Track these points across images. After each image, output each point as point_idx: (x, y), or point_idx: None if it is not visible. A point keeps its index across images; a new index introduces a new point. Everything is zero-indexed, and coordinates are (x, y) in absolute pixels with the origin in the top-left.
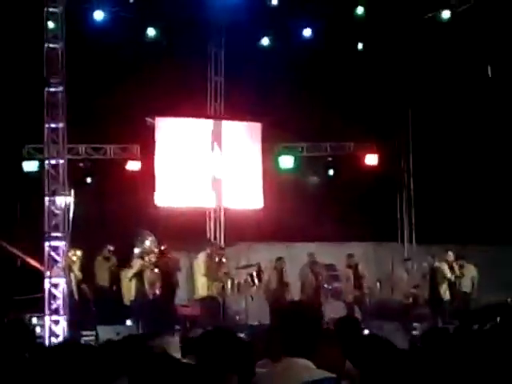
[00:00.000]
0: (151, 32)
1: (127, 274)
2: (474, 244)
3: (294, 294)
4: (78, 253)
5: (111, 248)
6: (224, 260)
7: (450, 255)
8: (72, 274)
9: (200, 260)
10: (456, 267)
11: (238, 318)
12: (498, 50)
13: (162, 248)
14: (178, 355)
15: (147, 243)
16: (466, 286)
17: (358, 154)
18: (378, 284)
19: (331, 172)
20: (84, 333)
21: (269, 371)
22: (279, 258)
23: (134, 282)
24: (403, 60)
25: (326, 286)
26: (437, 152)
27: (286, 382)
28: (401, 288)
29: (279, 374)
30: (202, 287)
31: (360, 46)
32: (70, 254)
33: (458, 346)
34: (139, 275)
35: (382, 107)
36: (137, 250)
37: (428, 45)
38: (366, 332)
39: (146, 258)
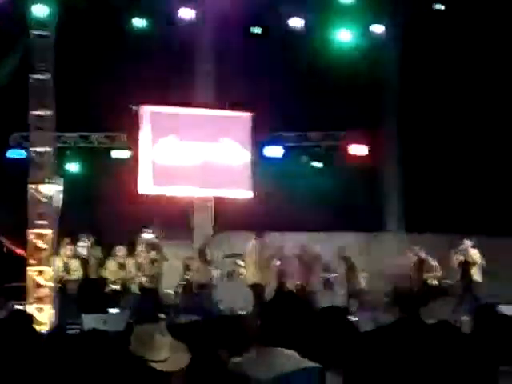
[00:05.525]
0: (138, 21)
1: (112, 264)
2: (463, 234)
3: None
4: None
5: (91, 238)
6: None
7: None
8: (53, 267)
9: (251, 248)
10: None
11: (222, 307)
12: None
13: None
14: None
15: (145, 236)
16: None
17: (346, 144)
18: (367, 275)
19: (319, 162)
20: (69, 321)
21: (250, 359)
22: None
23: (118, 271)
24: (392, 49)
25: (318, 276)
26: (426, 141)
27: (266, 370)
28: (391, 278)
29: (259, 362)
30: (252, 274)
31: (349, 35)
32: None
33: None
34: (123, 265)
35: (370, 96)
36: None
37: (418, 34)
38: (355, 319)
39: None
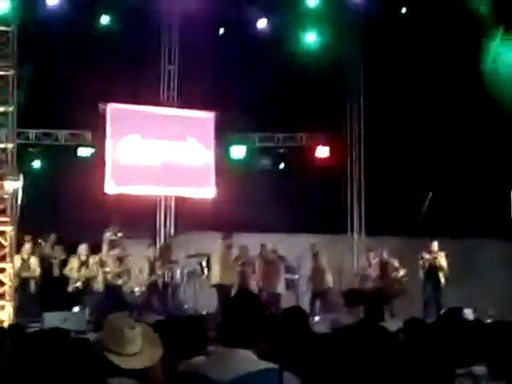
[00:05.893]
0: (105, 19)
1: (74, 262)
2: (422, 236)
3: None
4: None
5: (53, 236)
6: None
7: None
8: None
9: (217, 249)
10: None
11: (186, 306)
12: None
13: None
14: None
15: (107, 234)
16: None
17: (309, 146)
18: (331, 275)
19: (283, 163)
20: (29, 319)
21: (209, 360)
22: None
23: (81, 269)
24: (355, 51)
25: (283, 277)
26: (388, 143)
27: (225, 371)
28: (354, 279)
29: (218, 363)
30: (217, 275)
31: (313, 37)
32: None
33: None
34: (86, 263)
35: (333, 98)
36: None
37: (381, 37)
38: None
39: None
